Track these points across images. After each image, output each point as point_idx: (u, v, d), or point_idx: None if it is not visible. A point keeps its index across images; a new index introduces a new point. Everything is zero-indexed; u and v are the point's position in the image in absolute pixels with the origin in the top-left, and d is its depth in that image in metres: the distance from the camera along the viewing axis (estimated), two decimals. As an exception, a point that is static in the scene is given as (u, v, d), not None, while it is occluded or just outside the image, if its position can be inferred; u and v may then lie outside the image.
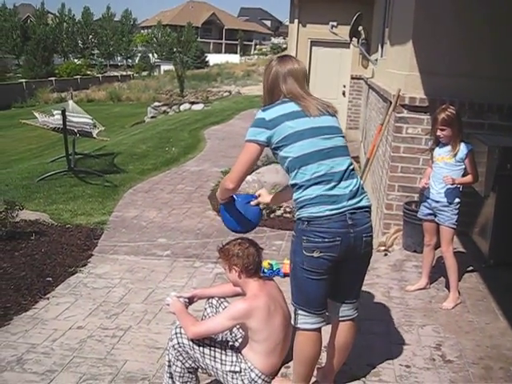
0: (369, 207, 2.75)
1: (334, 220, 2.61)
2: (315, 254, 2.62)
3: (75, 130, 8.79)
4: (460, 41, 5.12)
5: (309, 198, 2.64)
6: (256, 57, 60.38)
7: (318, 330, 2.78)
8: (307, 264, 2.65)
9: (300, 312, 2.75)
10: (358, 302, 2.90)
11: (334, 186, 2.64)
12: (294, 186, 2.72)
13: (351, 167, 2.75)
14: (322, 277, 2.66)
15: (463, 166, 4.05)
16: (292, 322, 2.83)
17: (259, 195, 3.17)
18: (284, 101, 2.77)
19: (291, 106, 2.73)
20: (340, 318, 2.88)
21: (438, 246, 4.26)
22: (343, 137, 2.81)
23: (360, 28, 11.08)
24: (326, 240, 2.60)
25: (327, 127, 2.74)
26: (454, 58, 5.15)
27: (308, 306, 2.73)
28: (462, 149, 4.01)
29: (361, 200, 2.70)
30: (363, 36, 11.36)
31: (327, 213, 2.60)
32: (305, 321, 2.75)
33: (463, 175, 4.06)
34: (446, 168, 4.06)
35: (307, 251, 2.63)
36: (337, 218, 2.61)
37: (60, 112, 8.51)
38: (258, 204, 3.14)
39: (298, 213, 2.71)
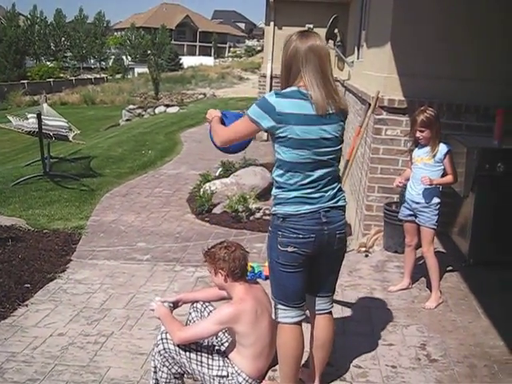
0: (344, 206, 2.79)
1: (308, 218, 2.65)
2: (289, 249, 2.66)
3: (51, 134, 8.64)
4: (438, 43, 5.16)
5: (286, 197, 2.67)
6: (230, 59, 60.35)
7: (298, 324, 2.82)
8: (282, 258, 2.69)
9: (279, 306, 2.79)
10: (332, 295, 2.95)
11: (315, 192, 2.67)
12: (275, 181, 2.73)
13: (336, 174, 2.76)
14: (296, 270, 2.70)
15: (442, 167, 4.09)
16: (272, 317, 2.85)
17: None
18: (301, 93, 2.59)
19: (304, 107, 2.58)
20: (317, 312, 2.92)
21: (418, 246, 4.28)
22: (341, 148, 2.74)
23: (336, 30, 11.12)
24: (301, 236, 2.65)
25: (329, 139, 2.64)
26: (432, 59, 5.20)
27: (286, 299, 2.76)
28: (441, 149, 4.04)
29: (338, 201, 2.74)
30: (339, 38, 11.41)
31: (302, 211, 2.64)
32: (284, 315, 2.79)
33: (442, 176, 4.10)
34: (425, 169, 4.09)
35: (282, 246, 2.67)
36: (311, 215, 2.65)
37: (34, 115, 8.37)
38: None
39: (274, 208, 2.73)
